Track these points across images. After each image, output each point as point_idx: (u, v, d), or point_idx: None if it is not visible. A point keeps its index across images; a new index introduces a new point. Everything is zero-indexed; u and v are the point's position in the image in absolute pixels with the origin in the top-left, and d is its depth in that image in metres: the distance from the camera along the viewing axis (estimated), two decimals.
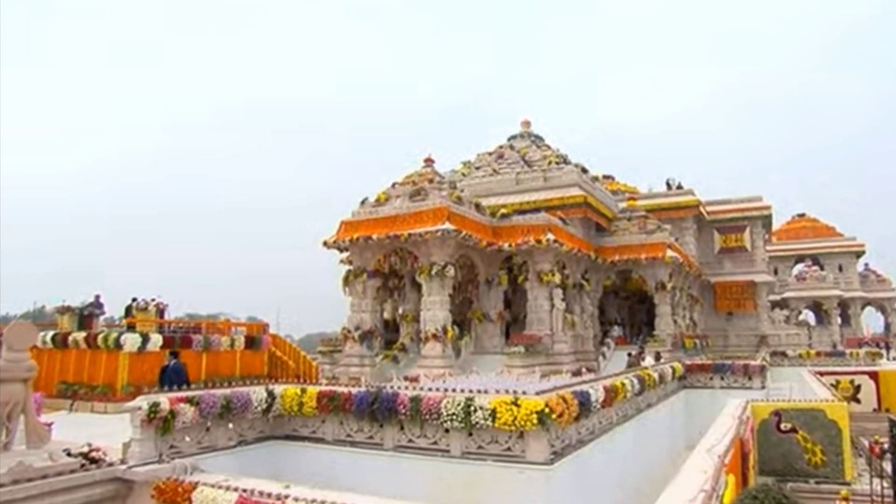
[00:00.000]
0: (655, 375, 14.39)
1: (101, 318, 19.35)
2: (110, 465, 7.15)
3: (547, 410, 7.17)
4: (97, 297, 19.34)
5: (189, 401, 7.78)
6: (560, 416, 7.42)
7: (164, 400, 7.50)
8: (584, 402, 8.43)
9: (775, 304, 49.16)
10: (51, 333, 18.17)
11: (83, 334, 17.61)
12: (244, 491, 6.03)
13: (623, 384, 10.93)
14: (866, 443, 14.73)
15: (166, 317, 19.74)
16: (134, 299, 18.93)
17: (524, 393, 7.51)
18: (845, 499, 12.68)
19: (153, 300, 19.35)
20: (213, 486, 6.29)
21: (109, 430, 9.00)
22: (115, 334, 17.05)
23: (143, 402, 7.35)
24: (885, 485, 12.84)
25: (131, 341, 16.66)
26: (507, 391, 7.74)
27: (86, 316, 18.92)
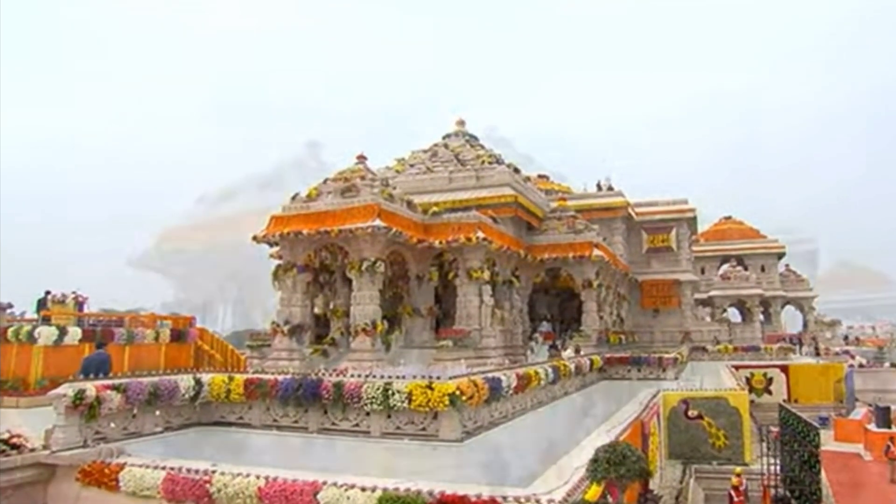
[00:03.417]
0: (571, 366, 15.22)
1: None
2: (32, 450, 7.31)
3: (458, 393, 7.76)
4: (47, 293, 18.73)
5: (116, 388, 7.97)
6: (470, 398, 8.02)
7: (90, 387, 7.66)
8: (496, 388, 9.06)
9: (702, 302, 51.50)
10: None
11: None
12: (172, 469, 6.33)
13: (536, 373, 11.62)
14: (774, 430, 16.04)
15: (86, 310, 19.32)
16: (48, 292, 18.42)
17: (438, 378, 8.08)
18: (738, 475, 13.98)
19: (73, 293, 18.92)
20: (140, 466, 6.57)
21: (23, 422, 8.91)
22: (27, 328, 16.57)
23: (68, 388, 7.51)
24: (773, 461, 14.28)
25: (47, 334, 16.24)
26: (423, 377, 8.28)
27: None
